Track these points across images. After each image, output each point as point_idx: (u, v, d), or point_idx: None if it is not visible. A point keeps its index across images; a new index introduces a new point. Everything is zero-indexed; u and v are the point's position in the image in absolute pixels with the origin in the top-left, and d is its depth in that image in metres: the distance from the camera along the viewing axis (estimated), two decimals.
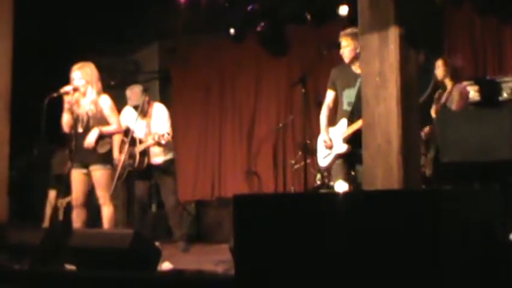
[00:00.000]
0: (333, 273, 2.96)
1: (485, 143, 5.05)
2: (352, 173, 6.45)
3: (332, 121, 6.22)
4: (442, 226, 2.75)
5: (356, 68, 5.92)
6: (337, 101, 6.22)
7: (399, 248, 2.79)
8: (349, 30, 5.99)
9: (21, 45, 6.78)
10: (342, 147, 5.96)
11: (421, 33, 5.29)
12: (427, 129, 6.52)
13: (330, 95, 6.21)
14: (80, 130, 6.26)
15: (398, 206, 2.87)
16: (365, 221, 2.91)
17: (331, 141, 6.04)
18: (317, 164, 6.51)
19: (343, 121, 5.98)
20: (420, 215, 2.78)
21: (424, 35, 5.64)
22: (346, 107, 6.01)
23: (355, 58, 5.90)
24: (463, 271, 2.81)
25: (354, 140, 5.82)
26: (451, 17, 7.81)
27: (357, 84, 5.83)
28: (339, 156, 6.00)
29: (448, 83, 6.49)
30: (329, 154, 6.09)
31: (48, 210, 9.11)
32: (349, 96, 5.98)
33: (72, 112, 6.28)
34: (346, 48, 5.98)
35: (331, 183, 6.73)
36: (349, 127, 5.90)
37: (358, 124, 5.76)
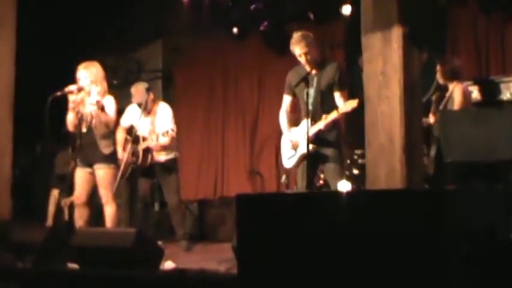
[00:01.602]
0: (336, 273, 2.96)
1: (487, 142, 5.04)
2: (322, 175, 6.43)
3: (294, 122, 6.24)
4: (445, 226, 2.74)
5: (311, 68, 5.96)
6: (294, 105, 6.24)
7: (402, 247, 2.79)
8: (297, 38, 6.00)
9: (24, 45, 6.79)
10: (305, 147, 5.88)
11: (425, 33, 5.29)
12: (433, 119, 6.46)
13: (286, 99, 6.26)
14: (84, 130, 6.27)
15: (401, 206, 2.87)
16: (368, 220, 2.91)
17: (297, 141, 6.02)
18: (282, 165, 6.49)
19: (304, 121, 5.94)
20: (423, 215, 2.78)
21: (428, 34, 5.64)
22: (309, 106, 5.95)
23: (311, 60, 5.95)
24: (465, 271, 2.80)
25: (318, 140, 5.84)
26: (454, 16, 7.79)
27: (315, 83, 5.89)
28: (303, 157, 5.94)
29: (450, 85, 6.48)
30: (294, 155, 6.08)
31: (51, 209, 9.12)
32: (310, 95, 5.96)
33: (77, 111, 6.28)
34: (300, 57, 6.00)
35: (295, 186, 6.74)
36: (312, 127, 5.84)
37: (320, 124, 5.78)
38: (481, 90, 6.69)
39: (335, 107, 5.79)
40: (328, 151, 5.86)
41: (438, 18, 7.41)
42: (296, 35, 6.01)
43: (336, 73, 5.90)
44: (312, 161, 5.91)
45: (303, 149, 5.92)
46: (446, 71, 6.45)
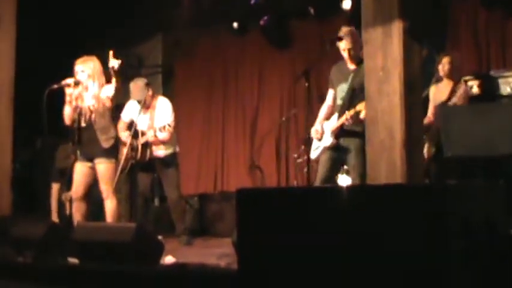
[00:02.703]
0: (336, 268, 2.96)
1: (488, 137, 5.05)
2: (345, 167, 6.49)
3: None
4: (445, 220, 2.75)
5: (351, 64, 6.06)
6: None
7: (402, 242, 2.79)
8: (345, 31, 6.06)
9: (24, 39, 6.79)
10: (328, 140, 6.05)
11: (425, 28, 5.28)
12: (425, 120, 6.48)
13: (329, 93, 6.33)
14: (83, 124, 6.26)
15: (401, 201, 2.87)
16: (368, 215, 2.91)
17: (322, 133, 6.13)
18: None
19: (335, 115, 6.07)
20: (423, 210, 2.78)
21: (428, 29, 5.63)
22: (339, 101, 6.11)
23: (353, 56, 6.03)
24: (465, 265, 2.81)
25: (342, 133, 5.95)
26: (454, 11, 7.80)
27: (350, 79, 5.90)
28: (326, 150, 6.08)
29: (448, 80, 6.49)
30: (318, 147, 6.19)
31: (53, 204, 9.12)
32: (342, 90, 6.08)
33: (76, 106, 6.27)
34: (345, 51, 6.06)
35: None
36: (338, 120, 5.98)
37: (339, 121, 5.88)
38: (480, 85, 6.69)
39: None
40: (353, 143, 5.91)
41: (439, 13, 7.41)
42: (344, 29, 6.08)
43: None
44: (333, 155, 6.02)
45: (325, 142, 6.07)
46: (455, 67, 6.48)
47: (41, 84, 6.26)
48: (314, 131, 6.21)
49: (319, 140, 6.14)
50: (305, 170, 6.72)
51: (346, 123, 5.89)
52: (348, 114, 5.86)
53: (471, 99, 6.48)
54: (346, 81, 6.03)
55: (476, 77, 6.69)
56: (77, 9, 9.46)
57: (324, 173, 6.04)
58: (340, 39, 6.00)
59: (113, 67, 6.17)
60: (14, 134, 6.66)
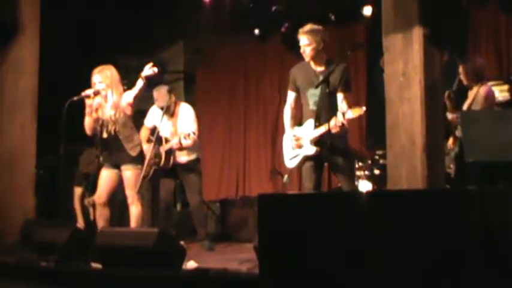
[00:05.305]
0: (357, 273, 2.97)
1: (509, 143, 5.03)
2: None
3: (297, 120, 6.01)
4: (466, 226, 2.75)
5: (316, 66, 5.80)
6: (298, 102, 5.99)
7: (422, 247, 2.80)
8: (307, 28, 5.78)
9: (50, 45, 6.85)
10: (310, 150, 5.72)
11: (445, 33, 5.28)
12: (451, 141, 6.42)
13: (290, 95, 6.01)
14: (105, 135, 6.26)
15: (422, 206, 2.88)
16: (389, 220, 2.93)
17: (300, 140, 5.81)
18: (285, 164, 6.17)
19: (310, 122, 5.73)
20: (444, 215, 2.79)
21: (448, 34, 5.63)
22: (312, 106, 5.78)
23: (316, 56, 5.76)
24: (486, 271, 2.81)
25: (321, 142, 5.64)
26: (474, 17, 7.78)
27: (319, 82, 5.64)
28: (307, 158, 5.77)
29: (474, 86, 6.45)
30: (297, 155, 5.85)
31: (78, 209, 9.17)
32: (313, 95, 5.77)
33: (97, 118, 6.28)
34: (307, 46, 5.77)
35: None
36: (317, 129, 5.64)
37: (325, 127, 5.53)
38: (508, 90, 6.68)
39: (337, 109, 5.62)
40: (340, 160, 5.67)
41: (459, 18, 7.40)
42: (308, 27, 5.80)
43: (344, 75, 5.70)
44: (317, 163, 5.76)
45: (305, 151, 5.77)
46: (469, 72, 6.41)
47: (64, 92, 6.31)
48: (291, 139, 5.87)
49: (299, 147, 5.81)
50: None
51: (334, 131, 5.50)
52: (336, 120, 5.47)
53: (498, 104, 6.45)
54: (314, 84, 5.73)
55: (504, 82, 6.67)
56: (99, 17, 9.54)
57: (309, 184, 5.78)
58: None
59: (146, 76, 6.20)
60: (38, 139, 6.71)
